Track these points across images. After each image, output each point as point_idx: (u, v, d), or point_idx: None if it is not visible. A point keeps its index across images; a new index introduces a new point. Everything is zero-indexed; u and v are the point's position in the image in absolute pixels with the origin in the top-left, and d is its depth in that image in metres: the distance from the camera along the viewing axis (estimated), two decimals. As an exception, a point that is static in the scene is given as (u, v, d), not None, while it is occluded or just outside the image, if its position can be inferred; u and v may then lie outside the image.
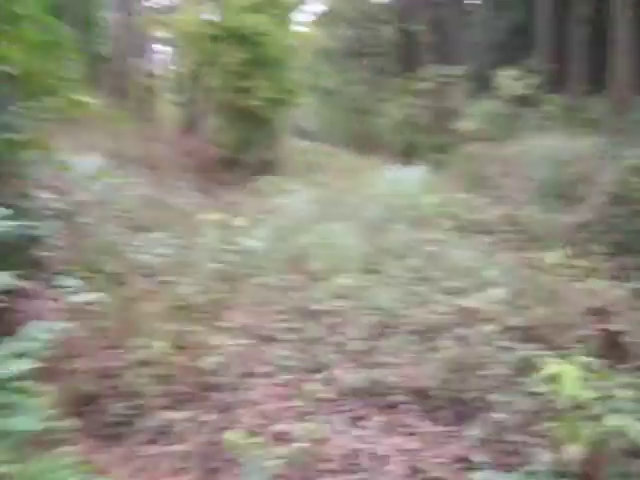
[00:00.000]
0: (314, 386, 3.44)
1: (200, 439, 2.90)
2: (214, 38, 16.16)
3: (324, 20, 30.42)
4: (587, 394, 2.47)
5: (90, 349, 3.47)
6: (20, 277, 2.52)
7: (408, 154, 20.71)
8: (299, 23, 25.54)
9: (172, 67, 27.29)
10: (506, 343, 3.71)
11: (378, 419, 3.18)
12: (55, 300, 3.77)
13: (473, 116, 17.18)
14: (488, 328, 3.87)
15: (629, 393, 2.56)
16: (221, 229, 6.57)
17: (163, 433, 2.93)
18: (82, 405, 3.04)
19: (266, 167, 16.57)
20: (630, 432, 2.30)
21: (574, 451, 2.31)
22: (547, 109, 14.33)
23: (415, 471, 2.75)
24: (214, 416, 3.09)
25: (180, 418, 2.98)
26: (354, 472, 2.74)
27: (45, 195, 4.83)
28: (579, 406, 2.46)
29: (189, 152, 15.45)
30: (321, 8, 29.54)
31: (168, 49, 26.80)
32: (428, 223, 7.47)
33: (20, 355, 2.05)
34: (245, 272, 5.23)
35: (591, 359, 2.77)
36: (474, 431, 2.95)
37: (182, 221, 7.41)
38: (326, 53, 32.74)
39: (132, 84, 19.74)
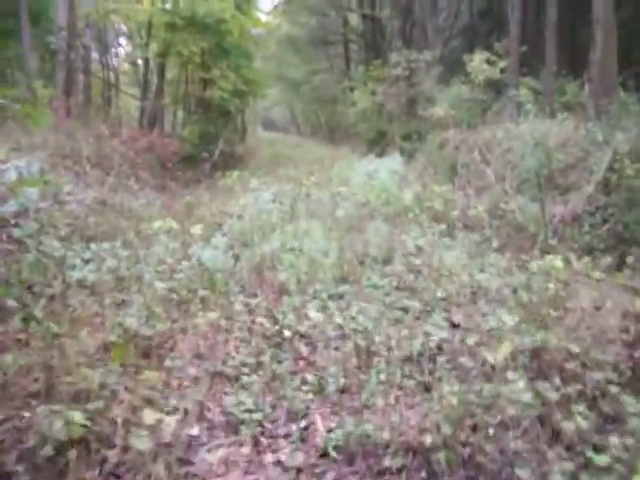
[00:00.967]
0: (285, 447, 2.72)
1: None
2: (172, 27, 15.22)
3: (287, 8, 29.47)
4: None
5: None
6: None
7: (378, 143, 20.08)
8: (262, 11, 24.73)
9: (132, 59, 26.18)
10: (515, 376, 3.02)
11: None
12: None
13: (445, 102, 16.55)
14: (496, 356, 3.18)
15: None
16: (177, 237, 5.78)
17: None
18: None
19: (231, 161, 15.84)
20: None
21: None
22: (522, 92, 13.74)
23: None
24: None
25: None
26: None
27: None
28: None
29: (149, 148, 14.48)
30: (283, -5, 28.57)
31: (127, 41, 25.71)
32: (408, 221, 6.79)
33: None
34: (202, 291, 4.45)
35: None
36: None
37: (134, 228, 6.60)
38: (291, 42, 31.91)
39: (88, 78, 18.63)
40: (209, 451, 2.75)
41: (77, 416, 2.44)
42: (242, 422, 2.93)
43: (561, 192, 7.06)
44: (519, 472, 2.34)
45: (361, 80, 22.91)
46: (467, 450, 2.52)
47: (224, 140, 15.63)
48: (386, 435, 2.65)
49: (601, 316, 3.38)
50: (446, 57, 21.13)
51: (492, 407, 2.69)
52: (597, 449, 2.39)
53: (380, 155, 16.78)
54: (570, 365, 2.87)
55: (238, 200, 7.93)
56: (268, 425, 2.97)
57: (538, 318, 3.55)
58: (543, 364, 3.00)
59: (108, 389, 2.87)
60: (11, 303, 3.78)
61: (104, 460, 2.45)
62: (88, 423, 2.47)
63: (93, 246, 5.45)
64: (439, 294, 4.55)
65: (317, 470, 2.60)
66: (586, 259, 4.91)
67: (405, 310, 4.29)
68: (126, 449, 2.49)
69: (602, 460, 2.30)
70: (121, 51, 26.73)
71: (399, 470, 2.52)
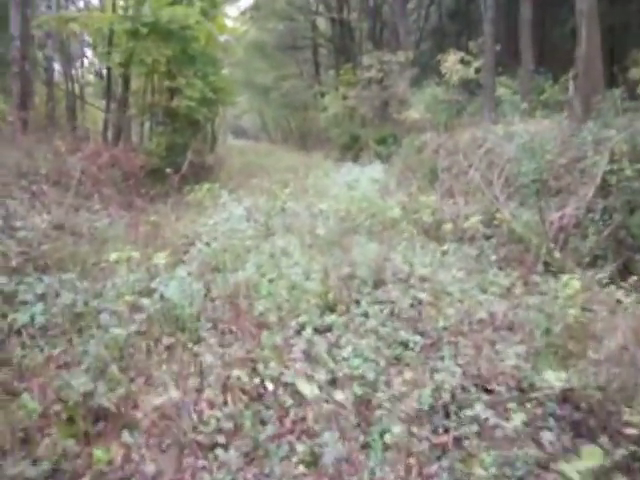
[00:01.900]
0: None
1: None
2: (134, 34, 14.48)
3: (255, 14, 28.83)
4: None
5: None
6: None
7: (351, 148, 19.60)
8: (229, 17, 24.08)
9: (97, 70, 25.26)
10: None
11: None
12: None
13: (420, 104, 16.13)
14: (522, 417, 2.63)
15: None
16: (140, 265, 5.13)
17: None
18: None
19: (201, 172, 15.12)
20: None
21: None
22: (501, 92, 13.38)
23: None
24: None
25: None
26: None
27: None
28: None
29: (113, 163, 13.69)
30: (249, 0, 27.96)
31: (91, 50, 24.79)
32: (395, 235, 6.22)
33: None
34: (166, 337, 3.81)
35: None
36: None
37: (94, 254, 5.93)
38: (259, 48, 31.30)
39: (52, 90, 17.73)
40: None
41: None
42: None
43: (554, 196, 6.58)
44: None
45: (332, 84, 22.49)
46: None
47: (193, 151, 14.91)
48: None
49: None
50: (417, 59, 20.76)
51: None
52: None
53: (354, 160, 16.28)
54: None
55: (208, 218, 7.27)
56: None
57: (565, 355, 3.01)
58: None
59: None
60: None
61: None
62: None
63: (47, 278, 4.78)
64: (441, 323, 3.99)
65: None
66: (601, 274, 4.42)
67: (405, 345, 3.72)
68: None
69: None
70: (86, 61, 25.79)
71: None
